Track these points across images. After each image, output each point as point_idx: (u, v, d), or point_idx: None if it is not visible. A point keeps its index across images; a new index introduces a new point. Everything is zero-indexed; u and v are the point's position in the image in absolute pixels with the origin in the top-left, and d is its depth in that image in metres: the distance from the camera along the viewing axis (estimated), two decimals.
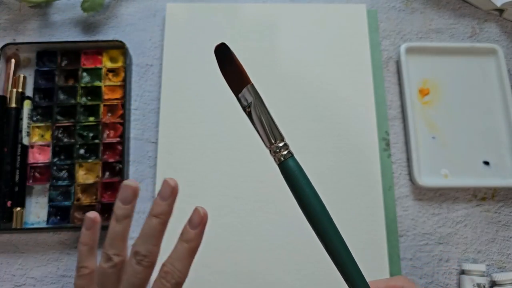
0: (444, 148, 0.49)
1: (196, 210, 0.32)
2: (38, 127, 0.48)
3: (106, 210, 0.45)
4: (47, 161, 0.47)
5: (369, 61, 0.51)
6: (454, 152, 0.49)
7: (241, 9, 0.53)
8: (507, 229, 0.48)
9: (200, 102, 0.49)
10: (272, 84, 0.49)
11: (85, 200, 0.46)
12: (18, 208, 0.45)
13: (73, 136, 0.48)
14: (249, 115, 0.30)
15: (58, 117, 0.48)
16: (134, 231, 0.35)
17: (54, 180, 0.46)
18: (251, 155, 0.47)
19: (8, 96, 0.48)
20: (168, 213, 0.32)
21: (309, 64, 0.51)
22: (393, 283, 0.32)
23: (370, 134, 0.49)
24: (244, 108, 0.30)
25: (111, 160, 0.47)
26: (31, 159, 0.47)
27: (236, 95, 0.30)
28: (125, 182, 0.33)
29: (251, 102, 0.30)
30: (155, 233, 0.31)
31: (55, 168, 0.47)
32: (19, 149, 0.46)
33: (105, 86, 0.49)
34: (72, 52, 0.50)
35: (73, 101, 0.49)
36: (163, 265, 0.31)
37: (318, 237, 0.28)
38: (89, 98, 0.49)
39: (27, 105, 0.48)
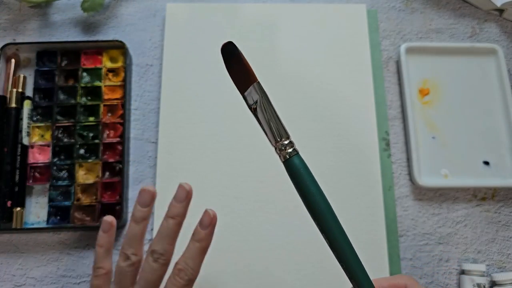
0: (444, 148, 0.49)
1: (206, 212, 0.36)
2: (38, 127, 0.48)
3: (106, 210, 0.45)
4: (47, 161, 0.47)
5: (369, 61, 0.51)
6: (454, 152, 0.49)
7: (241, 9, 0.53)
8: (507, 229, 0.48)
9: (200, 102, 0.49)
10: (272, 84, 0.49)
11: (85, 200, 0.46)
12: (18, 208, 0.45)
13: (73, 136, 0.48)
14: (254, 113, 0.30)
15: (58, 117, 0.48)
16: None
17: (54, 180, 0.46)
18: (251, 155, 0.47)
19: (8, 96, 0.48)
20: (183, 215, 0.36)
21: (309, 64, 0.51)
22: (396, 281, 0.32)
23: (370, 134, 0.49)
24: (250, 106, 0.30)
25: (111, 160, 0.47)
26: (31, 159, 0.47)
27: (242, 93, 0.30)
28: (144, 187, 0.36)
29: (257, 100, 0.30)
30: (171, 233, 0.34)
31: (55, 168, 0.47)
32: (19, 149, 0.46)
33: (105, 86, 0.49)
34: (72, 52, 0.50)
35: (73, 101, 0.49)
36: (177, 263, 0.34)
37: (322, 235, 0.28)
38: (89, 98, 0.49)
39: (27, 105, 0.48)
